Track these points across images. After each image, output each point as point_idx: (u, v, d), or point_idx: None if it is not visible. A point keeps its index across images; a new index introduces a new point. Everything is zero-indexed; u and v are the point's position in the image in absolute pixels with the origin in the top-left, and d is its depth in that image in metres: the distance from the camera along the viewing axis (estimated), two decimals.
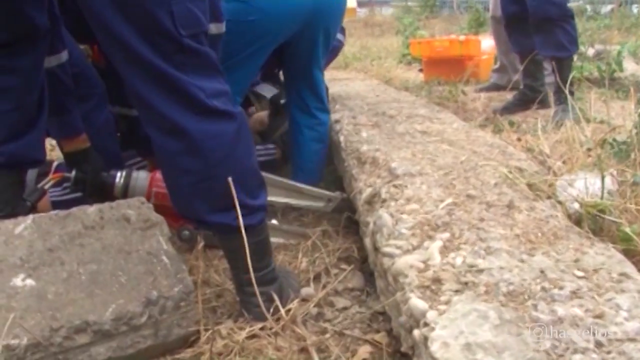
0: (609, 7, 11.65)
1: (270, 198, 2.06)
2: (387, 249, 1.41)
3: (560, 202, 1.62)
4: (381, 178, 1.90)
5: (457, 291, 1.14)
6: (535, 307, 1.05)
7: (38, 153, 1.93)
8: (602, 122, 2.57)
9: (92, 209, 1.58)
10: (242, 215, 1.51)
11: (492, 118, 3.58)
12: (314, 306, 1.73)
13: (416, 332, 1.09)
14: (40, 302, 1.34)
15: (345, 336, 1.59)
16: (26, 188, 2.04)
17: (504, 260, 1.23)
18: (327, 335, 1.58)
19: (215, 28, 1.87)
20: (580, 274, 1.16)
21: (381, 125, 2.59)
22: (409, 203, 1.60)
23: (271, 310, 1.57)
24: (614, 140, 1.76)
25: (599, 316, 1.01)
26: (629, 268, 1.20)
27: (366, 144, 2.26)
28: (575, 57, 5.03)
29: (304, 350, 1.51)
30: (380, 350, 1.46)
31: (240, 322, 1.62)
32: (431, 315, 1.07)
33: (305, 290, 1.81)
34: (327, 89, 2.90)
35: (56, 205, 2.39)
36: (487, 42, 5.25)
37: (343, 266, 1.98)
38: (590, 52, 5.32)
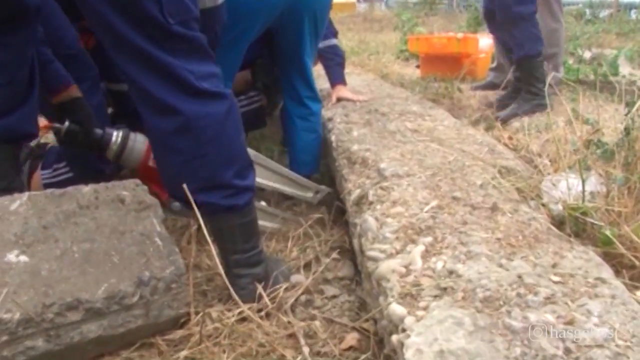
0: (607, 12, 11.68)
1: (261, 180, 2.08)
2: (371, 253, 1.44)
3: (543, 205, 1.64)
4: (370, 179, 1.92)
5: (435, 296, 1.16)
6: (509, 313, 1.07)
7: (31, 127, 1.93)
8: (592, 124, 2.60)
9: (87, 189, 1.59)
10: (230, 195, 1.57)
11: (485, 115, 3.60)
12: (304, 293, 1.76)
13: (394, 338, 1.12)
14: (33, 278, 1.36)
15: (334, 323, 1.61)
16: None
17: (483, 265, 1.25)
18: (316, 322, 1.60)
19: (210, 1, 1.88)
20: (557, 278, 1.18)
21: (373, 123, 2.60)
22: (394, 206, 1.62)
23: (258, 293, 1.60)
24: (599, 141, 1.78)
25: (570, 322, 1.03)
26: (606, 272, 1.23)
27: (357, 144, 2.28)
28: (571, 60, 5.08)
29: (292, 335, 1.53)
30: (368, 338, 1.48)
31: (229, 306, 1.63)
32: (409, 321, 1.10)
33: (295, 277, 1.83)
34: None
35: (47, 187, 2.39)
36: (485, 41, 5.26)
37: (334, 255, 2.00)
38: (587, 55, 5.35)
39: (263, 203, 2.29)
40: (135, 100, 1.55)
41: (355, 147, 2.23)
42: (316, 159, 2.77)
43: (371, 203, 1.70)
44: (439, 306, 1.10)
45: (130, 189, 1.64)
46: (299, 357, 1.43)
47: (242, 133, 1.67)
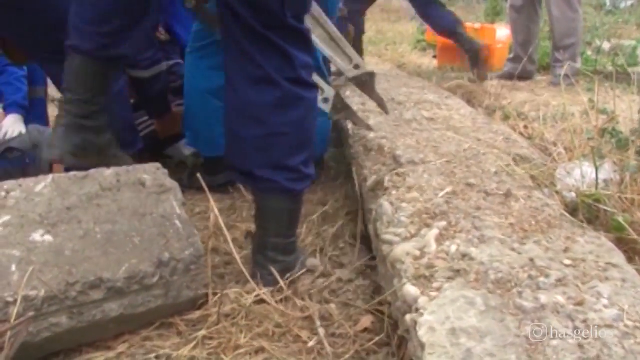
0: (629, 2, 11.54)
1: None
2: (386, 237, 1.47)
3: (557, 192, 1.66)
4: (386, 166, 1.94)
5: (449, 278, 1.19)
6: (520, 294, 1.09)
7: (126, 49, 1.95)
8: (608, 113, 2.59)
9: (109, 172, 1.63)
10: (293, 179, 1.63)
11: (501, 105, 3.60)
12: (319, 277, 1.78)
13: (408, 317, 1.14)
14: (57, 257, 1.40)
15: (349, 306, 1.64)
16: None
17: (496, 248, 1.28)
18: (331, 305, 1.63)
19: None
20: (568, 262, 1.21)
21: (389, 112, 2.62)
22: (410, 191, 1.65)
23: (282, 279, 1.64)
24: (614, 129, 1.79)
25: (580, 303, 1.05)
26: (617, 257, 1.24)
27: (373, 132, 2.29)
28: (590, 51, 5.04)
29: (308, 318, 1.56)
30: (382, 321, 1.51)
31: (247, 288, 1.67)
32: (422, 301, 1.13)
33: (311, 262, 1.85)
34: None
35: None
36: (503, 32, 5.25)
37: (350, 241, 2.03)
38: (606, 46, 5.31)
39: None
40: (232, 71, 1.63)
41: (371, 135, 2.25)
42: (324, 140, 2.78)
43: (387, 189, 1.73)
44: (452, 287, 1.13)
45: (151, 173, 1.68)
46: (315, 338, 1.46)
47: (315, 126, 1.72)
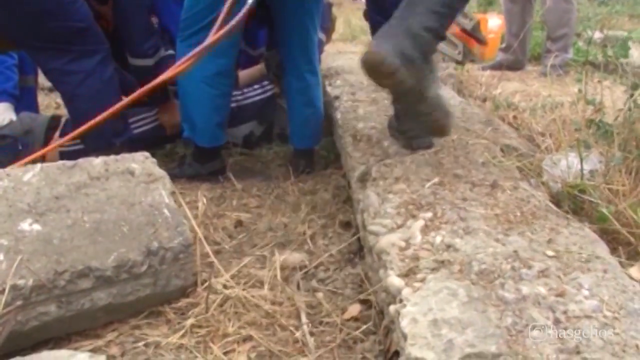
0: None
1: None
2: (372, 227, 1.48)
3: (543, 183, 1.67)
4: (374, 156, 1.95)
5: (433, 269, 1.20)
6: (502, 285, 1.10)
7: None
8: (595, 104, 2.61)
9: (97, 161, 1.63)
10: None
11: (492, 95, 3.61)
12: (308, 267, 1.80)
13: (392, 308, 1.16)
14: (46, 246, 1.40)
15: (337, 295, 1.65)
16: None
17: (480, 239, 1.29)
18: (319, 294, 1.64)
19: None
20: (551, 253, 1.22)
21: (379, 101, 2.63)
22: (397, 182, 1.66)
23: None
24: (600, 121, 1.80)
25: (561, 294, 1.07)
26: (600, 248, 1.26)
27: (362, 122, 2.31)
28: (581, 42, 5.05)
29: (296, 307, 1.57)
30: (370, 309, 1.52)
31: (236, 278, 1.68)
32: (405, 292, 1.14)
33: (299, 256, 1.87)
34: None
35: (63, 156, 2.46)
36: (495, 21, 5.24)
37: (339, 230, 2.04)
38: (598, 36, 5.31)
39: None
40: None
41: (360, 125, 2.26)
42: (315, 133, 2.79)
43: (374, 179, 1.74)
44: (436, 278, 1.14)
45: (140, 162, 1.68)
46: (302, 328, 1.48)
47: None
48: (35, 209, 1.46)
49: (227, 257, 1.86)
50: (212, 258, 1.66)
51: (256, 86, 3.08)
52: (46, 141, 2.69)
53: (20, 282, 1.32)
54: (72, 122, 2.54)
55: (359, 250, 1.89)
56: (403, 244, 1.31)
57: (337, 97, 2.86)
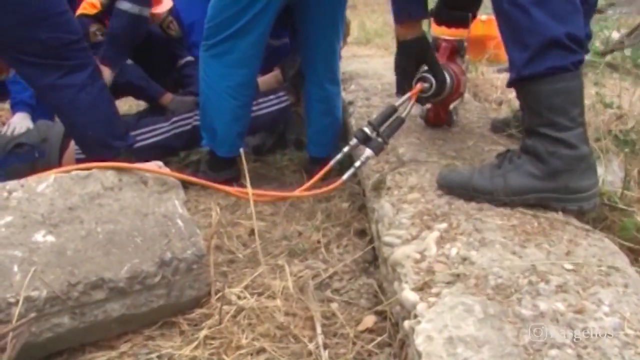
0: None
1: None
2: (387, 238, 1.46)
3: None
4: (389, 164, 1.93)
5: (448, 283, 1.18)
6: (519, 301, 1.08)
7: None
8: (615, 108, 2.57)
9: (111, 171, 1.63)
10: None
11: (507, 99, 3.56)
12: (322, 276, 1.78)
13: (406, 323, 1.14)
14: (59, 257, 1.40)
15: (352, 305, 1.64)
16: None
17: (496, 252, 1.27)
18: (334, 304, 1.63)
19: None
20: (570, 266, 1.20)
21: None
22: (411, 191, 1.64)
23: None
24: (620, 131, 1.77)
25: (580, 311, 1.04)
26: (621, 260, 1.23)
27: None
28: (598, 42, 4.99)
29: (311, 317, 1.56)
30: (385, 320, 1.51)
31: (250, 289, 1.67)
32: (420, 307, 1.12)
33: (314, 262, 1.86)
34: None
35: (79, 161, 2.49)
36: None
37: (354, 238, 2.03)
38: (615, 36, 5.25)
39: None
40: None
41: None
42: (332, 142, 2.77)
43: (389, 188, 1.72)
44: (451, 293, 1.12)
45: None
46: (315, 340, 1.46)
47: None
48: (49, 220, 1.46)
49: (241, 266, 1.86)
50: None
51: (272, 96, 3.06)
52: (62, 149, 2.70)
53: (34, 293, 1.32)
54: (69, 135, 2.56)
55: (374, 260, 1.88)
56: (418, 256, 1.30)
57: (351, 103, 2.84)
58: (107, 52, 2.74)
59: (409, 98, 1.92)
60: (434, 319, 1.05)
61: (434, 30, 2.44)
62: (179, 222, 1.57)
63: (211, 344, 1.46)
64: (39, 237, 1.42)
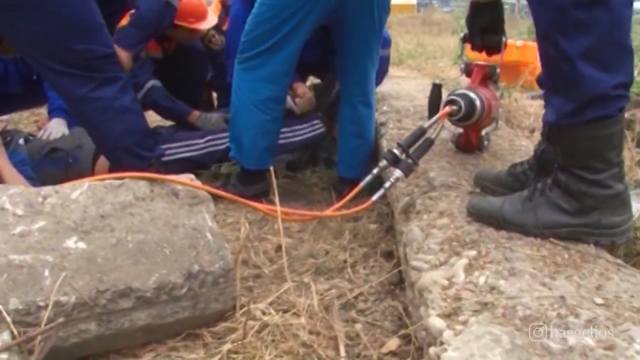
0: None
1: None
2: (415, 263, 1.45)
3: None
4: (419, 187, 1.92)
5: (475, 311, 1.17)
6: (548, 334, 1.06)
7: None
8: None
9: (143, 181, 1.65)
10: None
11: (540, 126, 3.53)
12: (347, 296, 1.78)
13: (432, 350, 1.13)
14: (89, 264, 1.41)
15: (376, 327, 1.63)
16: None
17: (525, 282, 1.25)
18: (358, 325, 1.62)
19: None
20: (600, 301, 1.17)
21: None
22: (441, 217, 1.63)
23: None
24: None
25: (610, 348, 1.02)
26: None
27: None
28: (635, 71, 4.91)
29: (334, 337, 1.55)
30: (409, 344, 1.49)
31: (275, 305, 1.67)
32: (447, 335, 1.11)
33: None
34: None
35: (111, 170, 2.52)
36: None
37: (380, 260, 2.02)
38: None
39: None
40: None
41: None
42: (362, 164, 2.77)
43: (418, 212, 1.71)
44: (478, 321, 1.11)
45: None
46: None
47: None
48: (81, 227, 1.48)
49: (266, 281, 1.86)
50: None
51: (306, 125, 3.11)
52: (95, 156, 2.75)
53: (63, 298, 1.33)
54: (101, 148, 2.59)
55: (399, 282, 1.87)
56: (446, 282, 1.29)
57: (383, 124, 2.84)
58: (128, 33, 2.67)
59: (438, 119, 1.92)
60: (460, 347, 1.03)
61: (467, 54, 2.44)
62: (208, 235, 1.58)
63: (234, 358, 1.46)
64: (71, 243, 1.44)
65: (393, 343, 1.53)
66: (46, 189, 1.54)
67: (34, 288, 1.33)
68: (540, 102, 4.37)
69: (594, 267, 1.32)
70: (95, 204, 1.54)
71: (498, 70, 2.22)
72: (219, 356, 1.45)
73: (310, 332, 1.54)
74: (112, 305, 1.39)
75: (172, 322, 1.50)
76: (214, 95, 4.23)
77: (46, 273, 1.36)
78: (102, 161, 2.72)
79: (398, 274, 1.91)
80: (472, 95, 2.01)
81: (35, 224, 1.45)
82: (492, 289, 1.23)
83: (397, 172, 1.85)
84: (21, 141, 2.80)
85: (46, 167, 2.72)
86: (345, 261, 2.01)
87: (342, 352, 1.47)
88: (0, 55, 2.98)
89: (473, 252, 1.40)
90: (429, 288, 1.28)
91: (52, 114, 3.19)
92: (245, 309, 1.58)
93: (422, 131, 1.90)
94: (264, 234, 2.26)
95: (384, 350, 1.51)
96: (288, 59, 2.46)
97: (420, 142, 1.89)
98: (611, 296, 1.18)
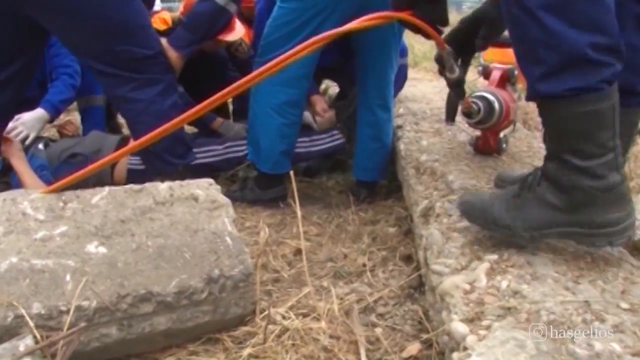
0: None
1: None
2: (436, 267, 1.44)
3: None
4: (438, 190, 1.91)
5: (499, 316, 1.15)
6: (573, 339, 1.04)
7: None
8: None
9: (163, 186, 1.65)
10: None
11: None
12: (366, 300, 1.77)
13: (455, 355, 1.11)
14: (110, 269, 1.42)
15: (396, 331, 1.62)
16: None
17: (548, 287, 1.23)
18: (378, 329, 1.61)
19: None
20: (626, 306, 1.15)
21: (443, 132, 2.58)
22: (461, 220, 1.61)
23: None
24: None
25: (638, 354, 1.00)
26: None
27: (425, 154, 2.27)
28: None
29: (355, 342, 1.54)
30: (430, 348, 1.48)
31: (295, 309, 1.66)
32: (470, 340, 1.09)
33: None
34: None
35: (130, 172, 2.53)
36: None
37: (400, 263, 2.01)
38: None
39: None
40: None
41: (423, 157, 2.22)
42: (379, 167, 2.77)
43: (438, 215, 1.70)
44: (502, 327, 1.10)
45: (204, 188, 1.70)
46: None
47: None
48: (102, 232, 1.49)
49: (286, 285, 1.86)
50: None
51: (325, 135, 3.10)
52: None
53: (85, 303, 1.34)
54: (122, 147, 2.60)
55: (419, 286, 1.86)
56: (468, 286, 1.27)
57: (399, 127, 2.83)
58: (179, 34, 2.63)
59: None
60: (484, 352, 1.02)
61: (485, 57, 2.43)
62: (228, 239, 1.58)
63: None
64: (92, 247, 1.45)
65: (414, 347, 1.52)
66: (67, 194, 1.55)
67: (56, 293, 1.34)
68: None
69: (618, 271, 1.30)
70: (116, 208, 1.55)
71: (516, 72, 2.20)
72: None
73: (331, 337, 1.54)
74: (132, 309, 1.40)
75: (192, 326, 1.50)
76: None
77: (68, 278, 1.37)
78: (121, 165, 2.73)
79: (418, 278, 1.89)
80: (490, 97, 2.00)
81: (56, 229, 1.47)
82: (515, 293, 1.21)
83: None
84: (40, 146, 2.82)
85: (65, 171, 2.73)
86: (364, 265, 2.01)
87: (363, 357, 1.46)
88: None
89: (494, 256, 1.38)
90: (451, 292, 1.27)
91: (41, 105, 3.17)
92: (265, 313, 1.58)
93: None
94: (282, 237, 2.26)
95: (405, 354, 1.50)
96: (305, 63, 2.46)
97: None
98: (637, 301, 1.16)
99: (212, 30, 2.75)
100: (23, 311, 1.27)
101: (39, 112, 3.11)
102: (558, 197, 1.31)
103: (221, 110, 3.91)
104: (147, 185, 1.65)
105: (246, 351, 1.47)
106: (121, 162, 2.73)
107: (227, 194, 1.82)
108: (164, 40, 2.42)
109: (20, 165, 2.44)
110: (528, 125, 3.49)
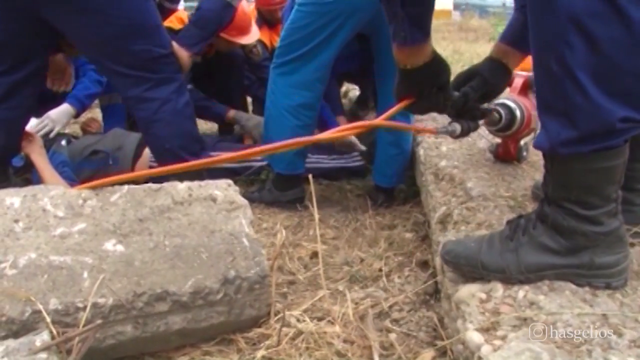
0: None
1: None
2: (452, 275, 1.43)
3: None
4: (456, 197, 1.90)
5: (514, 327, 1.14)
6: (589, 353, 1.03)
7: None
8: None
9: (182, 186, 1.66)
10: None
11: None
12: (381, 305, 1.76)
13: None
14: (127, 267, 1.43)
15: (410, 337, 1.61)
16: None
17: (566, 298, 1.22)
18: (392, 335, 1.60)
19: None
20: None
21: (462, 139, 2.57)
22: (479, 228, 1.60)
23: None
24: None
25: None
26: None
27: (445, 159, 2.26)
28: None
29: (369, 347, 1.54)
30: (444, 355, 1.47)
31: (309, 312, 1.66)
32: (485, 350, 1.09)
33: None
34: None
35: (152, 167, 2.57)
36: None
37: (416, 269, 2.00)
38: None
39: None
40: None
41: (443, 163, 2.21)
42: (397, 173, 2.77)
43: (456, 223, 1.69)
44: (517, 337, 1.09)
45: (222, 189, 1.70)
46: None
47: None
48: (120, 230, 1.50)
49: (301, 288, 1.86)
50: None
51: (346, 156, 3.16)
52: (135, 158, 2.79)
53: (101, 300, 1.35)
54: (150, 148, 2.62)
55: (435, 292, 1.85)
56: (484, 296, 1.26)
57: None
58: (189, 32, 2.68)
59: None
60: None
61: None
62: (245, 241, 1.59)
63: None
64: (109, 245, 1.46)
65: (428, 354, 1.51)
66: (86, 191, 1.56)
67: (73, 289, 1.35)
68: None
69: (637, 285, 1.28)
70: (134, 207, 1.56)
71: None
72: None
73: (345, 341, 1.53)
74: (148, 308, 1.40)
75: (207, 326, 1.50)
76: (249, 101, 4.28)
77: (85, 275, 1.38)
78: (142, 162, 2.76)
79: (433, 284, 1.88)
80: (512, 105, 1.99)
81: (75, 226, 1.48)
82: (532, 304, 1.20)
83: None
84: (63, 142, 2.85)
85: (86, 168, 2.76)
86: (380, 270, 2.00)
87: None
88: None
89: None
90: (467, 301, 1.26)
91: (67, 100, 3.23)
92: (280, 315, 1.58)
93: None
94: (298, 240, 2.26)
95: None
96: (321, 66, 2.47)
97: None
98: None
99: (219, 26, 2.83)
100: (40, 307, 1.28)
101: (64, 107, 3.16)
102: (556, 240, 1.30)
103: (242, 108, 3.94)
104: (166, 184, 1.65)
105: (260, 353, 1.47)
106: (142, 162, 2.75)
107: (245, 195, 1.82)
108: (172, 41, 2.44)
109: (41, 161, 2.46)
110: None
